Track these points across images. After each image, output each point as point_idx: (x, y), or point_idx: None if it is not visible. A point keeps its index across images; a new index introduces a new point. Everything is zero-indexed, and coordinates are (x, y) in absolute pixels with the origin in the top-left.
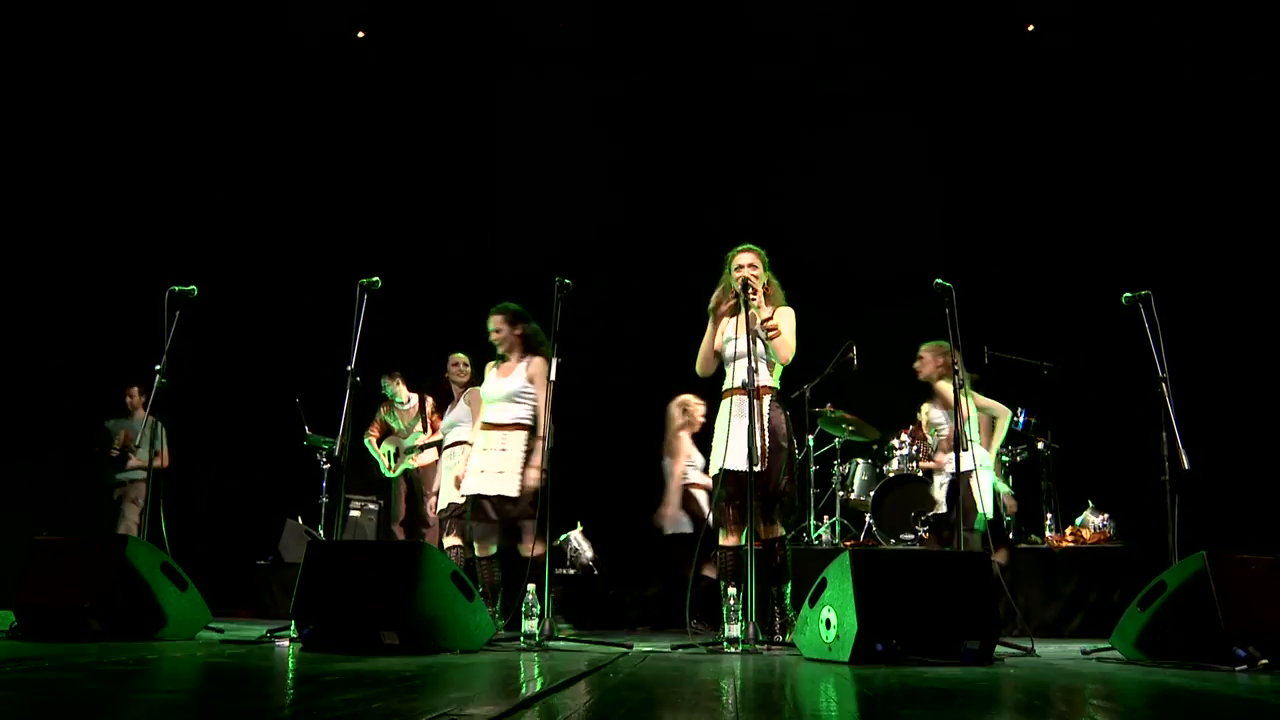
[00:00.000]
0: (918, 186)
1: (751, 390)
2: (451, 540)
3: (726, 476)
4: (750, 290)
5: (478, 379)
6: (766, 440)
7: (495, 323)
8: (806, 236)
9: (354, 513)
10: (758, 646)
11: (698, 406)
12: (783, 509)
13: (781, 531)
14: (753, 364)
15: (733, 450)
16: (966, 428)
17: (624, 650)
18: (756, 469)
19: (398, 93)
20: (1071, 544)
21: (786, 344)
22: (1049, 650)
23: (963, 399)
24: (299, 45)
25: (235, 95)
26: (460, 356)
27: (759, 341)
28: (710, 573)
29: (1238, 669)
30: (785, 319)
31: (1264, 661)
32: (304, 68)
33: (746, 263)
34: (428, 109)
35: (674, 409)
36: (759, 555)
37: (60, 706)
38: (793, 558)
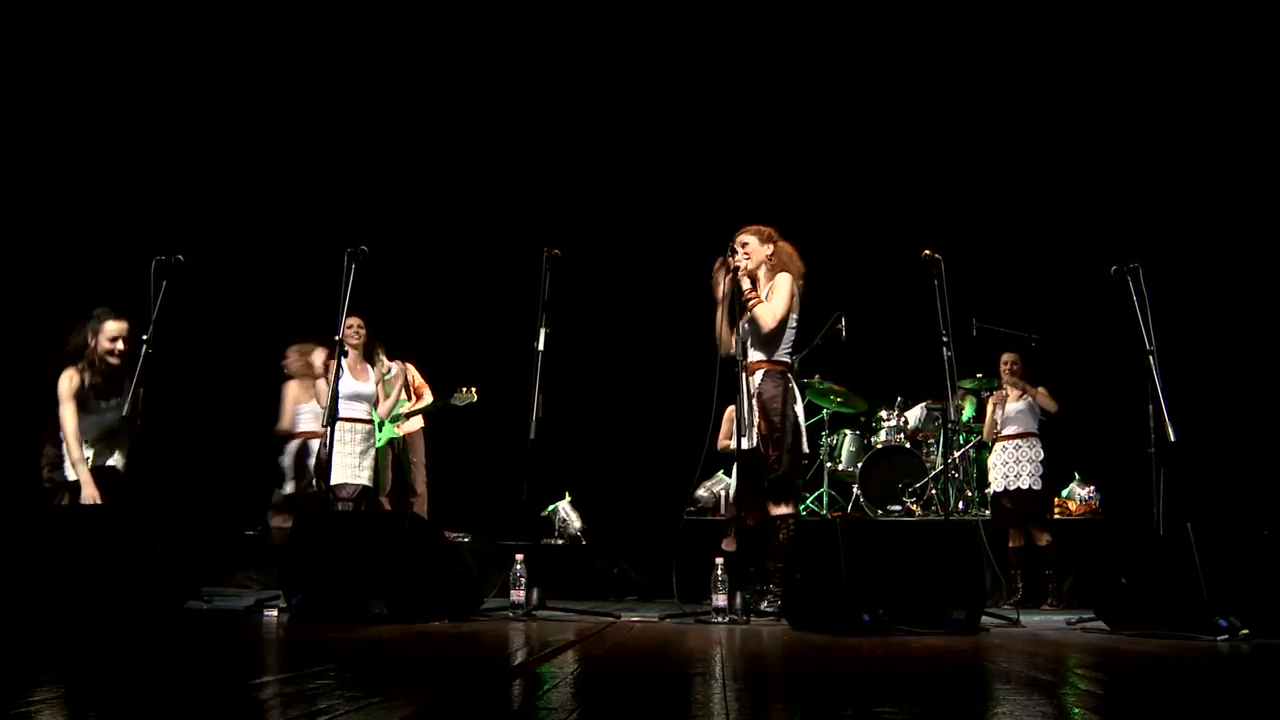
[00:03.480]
0: (907, 157)
1: (741, 365)
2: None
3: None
4: (734, 266)
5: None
6: (758, 417)
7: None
8: (795, 207)
9: None
10: (744, 617)
11: None
12: (779, 487)
13: (784, 510)
14: (742, 338)
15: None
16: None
17: (611, 620)
18: (743, 446)
19: (386, 57)
20: (1058, 516)
21: (766, 309)
22: (1034, 620)
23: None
24: (285, 7)
25: (220, 59)
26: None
27: (746, 316)
28: (728, 546)
29: (1220, 639)
30: (778, 286)
31: (1245, 631)
32: (289, 31)
33: (739, 244)
34: (417, 73)
35: None
36: (760, 531)
37: (50, 671)
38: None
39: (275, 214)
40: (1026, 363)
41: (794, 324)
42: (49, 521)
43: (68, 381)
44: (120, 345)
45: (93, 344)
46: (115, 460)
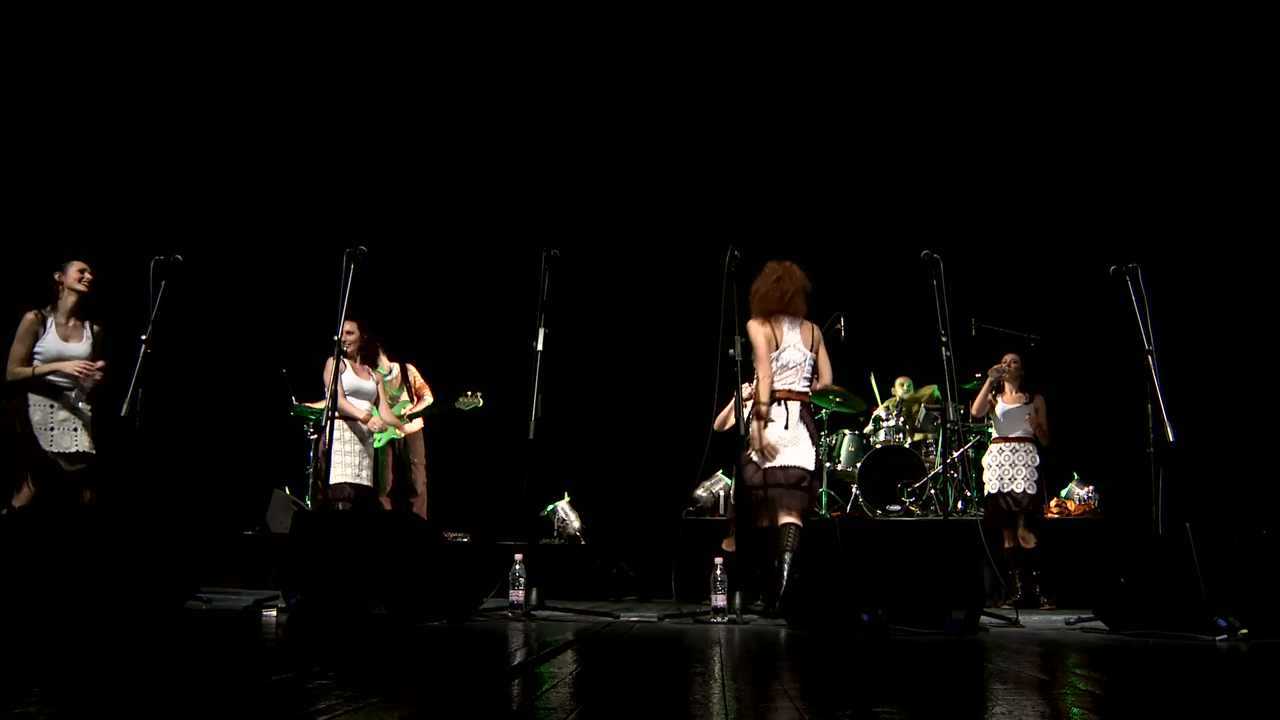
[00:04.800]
0: (906, 157)
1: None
2: None
3: None
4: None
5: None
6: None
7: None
8: (795, 208)
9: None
10: (743, 617)
11: None
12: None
13: (789, 520)
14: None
15: None
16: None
17: (610, 620)
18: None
19: (385, 57)
20: (1057, 516)
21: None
22: (1033, 620)
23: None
24: (283, 7)
25: (219, 59)
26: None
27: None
28: (728, 546)
29: (1218, 638)
30: (749, 334)
31: (1244, 631)
32: (289, 32)
33: None
34: (416, 74)
35: None
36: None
37: (48, 672)
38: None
39: (274, 214)
40: (1027, 365)
41: (767, 358)
42: (47, 522)
43: (26, 323)
44: (88, 275)
45: (61, 282)
46: (84, 444)
